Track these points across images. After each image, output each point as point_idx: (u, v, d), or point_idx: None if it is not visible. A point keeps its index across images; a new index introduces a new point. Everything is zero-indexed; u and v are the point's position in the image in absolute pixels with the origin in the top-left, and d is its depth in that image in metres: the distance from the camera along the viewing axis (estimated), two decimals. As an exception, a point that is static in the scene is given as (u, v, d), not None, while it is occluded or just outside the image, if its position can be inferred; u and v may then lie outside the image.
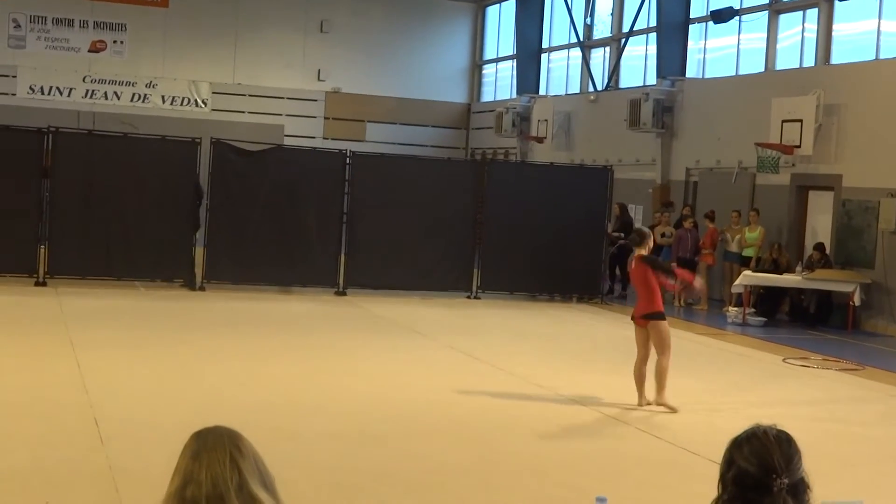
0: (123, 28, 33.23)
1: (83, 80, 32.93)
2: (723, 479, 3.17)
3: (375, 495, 7.99)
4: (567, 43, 32.20)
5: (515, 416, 10.88)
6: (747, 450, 3.14)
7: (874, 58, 20.60)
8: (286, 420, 10.01)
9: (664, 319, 11.60)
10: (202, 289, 19.83)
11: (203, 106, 33.88)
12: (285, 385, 11.79)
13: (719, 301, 21.77)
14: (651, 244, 11.90)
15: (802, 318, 20.26)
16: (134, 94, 33.34)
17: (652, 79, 26.90)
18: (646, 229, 12.67)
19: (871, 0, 20.83)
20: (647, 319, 11.55)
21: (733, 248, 21.61)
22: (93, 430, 9.20)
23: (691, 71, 26.19)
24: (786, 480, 3.08)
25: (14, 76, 32.38)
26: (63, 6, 32.67)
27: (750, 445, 3.15)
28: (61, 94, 32.68)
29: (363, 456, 8.99)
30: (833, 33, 21.97)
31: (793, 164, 21.35)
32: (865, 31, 21.30)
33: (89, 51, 33.01)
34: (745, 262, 21.13)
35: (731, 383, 13.60)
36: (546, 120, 30.71)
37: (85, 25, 32.99)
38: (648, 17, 27.78)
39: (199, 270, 20.01)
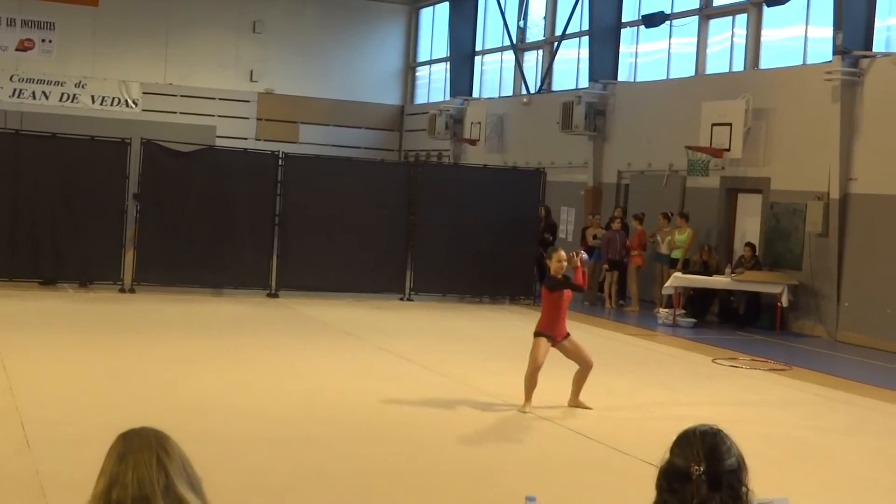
0: (52, 27, 32.78)
1: (10, 80, 32.44)
2: (657, 477, 3.27)
3: (305, 498, 7.95)
4: (500, 46, 32.32)
5: (447, 418, 10.89)
6: (676, 447, 3.28)
7: (801, 63, 20.91)
8: (216, 422, 9.92)
9: None
10: (132, 291, 19.63)
11: (133, 106, 33.53)
12: (215, 387, 11.70)
13: (650, 302, 21.97)
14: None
15: (731, 319, 20.51)
16: (63, 94, 32.92)
17: (584, 82, 27.09)
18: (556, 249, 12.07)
19: (799, 6, 21.15)
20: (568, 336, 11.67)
21: (663, 249, 21.83)
22: (19, 434, 9.06)
23: (623, 74, 26.40)
24: (702, 467, 3.17)
25: (-61, 75, 31.83)
26: (-10, 4, 32.18)
27: (679, 443, 3.28)
28: (-13, 93, 32.18)
29: (293, 458, 8.95)
30: (762, 38, 22.28)
31: (722, 167, 21.62)
32: (793, 36, 21.62)
33: (17, 49, 32.53)
34: (675, 264, 21.35)
35: (661, 384, 13.73)
36: (479, 122, 30.80)
37: (12, 23, 32.51)
38: (581, 21, 27.95)
39: (128, 272, 19.80)
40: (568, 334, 11.66)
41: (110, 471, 2.90)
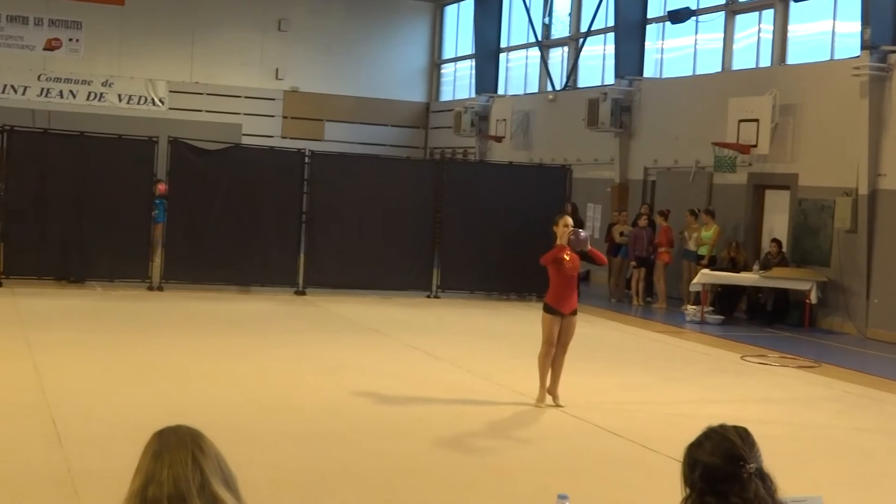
0: (79, 26, 32.93)
1: (38, 79, 32.62)
2: (688, 480, 3.29)
3: (336, 494, 7.96)
4: (525, 42, 32.27)
5: (475, 414, 10.88)
6: (709, 446, 3.30)
7: (829, 58, 20.79)
8: (246, 420, 9.95)
9: None
10: (160, 289, 19.71)
11: (160, 105, 33.67)
12: (245, 385, 11.73)
13: (677, 299, 21.88)
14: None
15: (760, 316, 20.42)
16: (90, 93, 33.07)
17: (610, 78, 27.01)
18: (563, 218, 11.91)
19: (826, 1, 21.02)
20: (574, 314, 11.60)
21: (691, 246, 21.76)
22: (51, 432, 9.11)
23: (649, 71, 26.31)
24: (753, 465, 3.23)
25: (-32, 74, 32.05)
26: (17, 3, 32.32)
27: (711, 442, 3.30)
28: (16, 92, 32.36)
29: (324, 455, 8.97)
30: (788, 34, 22.17)
31: (749, 164, 21.51)
32: (820, 31, 21.50)
33: (44, 49, 32.70)
34: (701, 261, 21.29)
35: (689, 381, 13.68)
36: (505, 119, 30.77)
37: (40, 23, 32.67)
38: (606, 17, 27.88)
39: (156, 270, 19.88)
40: (575, 311, 11.57)
41: (146, 468, 2.91)
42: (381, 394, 11.63)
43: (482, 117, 32.26)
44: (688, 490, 3.31)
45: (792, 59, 21.95)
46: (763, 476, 3.26)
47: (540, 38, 30.89)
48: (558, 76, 30.19)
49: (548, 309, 11.53)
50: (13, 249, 19.21)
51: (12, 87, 32.35)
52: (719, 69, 23.86)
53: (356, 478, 8.40)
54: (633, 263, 22.46)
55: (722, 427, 3.34)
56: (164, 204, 20.68)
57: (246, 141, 30.20)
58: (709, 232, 21.42)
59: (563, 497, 4.63)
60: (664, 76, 26.00)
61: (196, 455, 2.91)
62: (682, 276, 22.01)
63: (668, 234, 22.09)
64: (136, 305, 17.94)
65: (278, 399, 11.07)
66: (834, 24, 21.03)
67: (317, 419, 10.26)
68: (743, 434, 3.32)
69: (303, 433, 9.65)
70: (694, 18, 24.61)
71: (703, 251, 21.37)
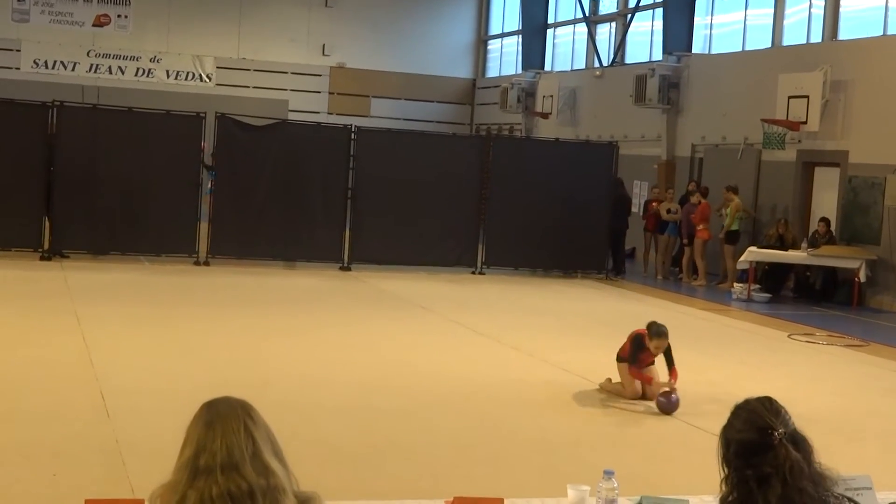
0: (128, 2, 33.13)
1: (87, 55, 32.91)
2: (724, 459, 3.30)
3: (380, 468, 7.99)
4: (573, 18, 32.10)
5: (520, 391, 10.88)
6: (738, 424, 3.30)
7: (881, 33, 20.52)
8: (291, 393, 10.01)
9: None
10: (207, 263, 19.85)
11: (207, 81, 33.85)
12: (290, 359, 11.80)
13: (717, 276, 21.83)
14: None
15: (808, 295, 20.25)
16: (138, 69, 33.32)
17: (658, 54, 26.82)
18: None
19: (878, -25, 20.74)
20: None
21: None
22: (99, 404, 9.21)
23: (697, 46, 26.09)
24: (782, 430, 3.22)
25: (18, 50, 32.38)
26: (67, -20, 32.59)
27: (739, 419, 3.31)
28: (65, 68, 32.68)
29: (368, 429, 9.01)
30: (840, 9, 21.88)
31: (799, 141, 21.31)
32: (873, 6, 21.20)
33: (93, 25, 32.94)
34: (729, 238, 21.28)
35: (735, 359, 13.60)
36: (551, 95, 30.65)
37: (89, -1, 32.93)
38: (655, -7, 27.67)
39: (203, 245, 20.02)
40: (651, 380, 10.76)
41: (197, 438, 2.93)
42: (427, 369, 11.66)
43: (529, 93, 32.17)
44: (726, 470, 3.31)
45: (843, 34, 21.67)
46: (796, 440, 3.24)
47: (587, 14, 30.71)
48: (605, 52, 30.00)
49: (620, 359, 10.86)
50: (62, 224, 19.39)
51: (62, 63, 32.65)
52: (769, 45, 23.61)
53: (402, 452, 8.43)
54: (685, 241, 22.20)
55: (746, 402, 3.34)
56: (213, 175, 20.75)
57: (292, 117, 30.30)
58: (727, 208, 21.28)
59: (608, 473, 4.62)
60: (713, 52, 25.78)
61: (248, 424, 2.94)
62: (718, 252, 21.95)
63: (706, 212, 21.86)
64: (183, 280, 18.08)
65: (324, 373, 11.13)
66: (887, -1, 20.74)
67: (362, 394, 10.30)
68: (766, 403, 3.31)
69: (348, 407, 9.70)
70: (744, -7, 24.37)
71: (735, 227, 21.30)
